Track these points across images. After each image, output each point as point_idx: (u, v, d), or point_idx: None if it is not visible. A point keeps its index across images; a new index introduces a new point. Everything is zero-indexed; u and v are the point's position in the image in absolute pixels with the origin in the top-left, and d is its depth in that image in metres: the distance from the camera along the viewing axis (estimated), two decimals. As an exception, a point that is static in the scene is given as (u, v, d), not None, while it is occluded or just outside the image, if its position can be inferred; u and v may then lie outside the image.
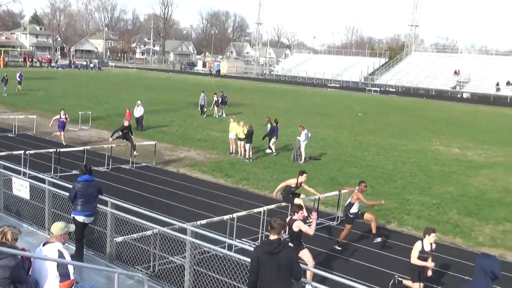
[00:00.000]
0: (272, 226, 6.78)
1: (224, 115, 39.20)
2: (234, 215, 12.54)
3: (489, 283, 5.16)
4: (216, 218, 12.55)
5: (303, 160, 23.58)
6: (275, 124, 25.16)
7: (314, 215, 10.65)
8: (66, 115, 24.51)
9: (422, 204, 17.89)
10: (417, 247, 10.03)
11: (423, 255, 9.98)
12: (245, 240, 12.96)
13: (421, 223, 15.64)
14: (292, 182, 14.23)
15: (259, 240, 12.89)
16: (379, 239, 13.35)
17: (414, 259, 10.03)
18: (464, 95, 79.53)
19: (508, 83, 76.80)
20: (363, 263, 12.54)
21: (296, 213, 10.20)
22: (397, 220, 16.04)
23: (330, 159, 24.82)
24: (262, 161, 23.38)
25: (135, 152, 21.33)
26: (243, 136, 23.29)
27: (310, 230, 10.09)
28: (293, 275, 6.71)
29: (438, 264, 12.50)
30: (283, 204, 14.39)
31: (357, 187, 13.39)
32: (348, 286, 7.20)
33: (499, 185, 21.81)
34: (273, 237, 6.76)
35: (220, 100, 39.64)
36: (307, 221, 11.26)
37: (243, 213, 13.05)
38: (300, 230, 10.03)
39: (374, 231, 13.18)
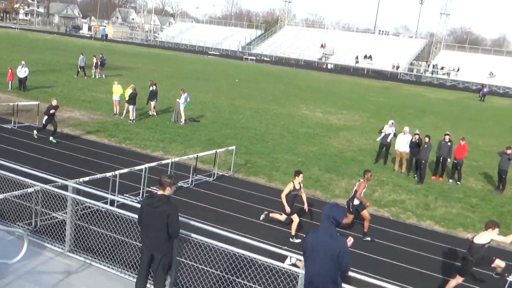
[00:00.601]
0: (160, 182, 6.69)
1: (104, 76, 38.21)
2: (117, 172, 12.25)
3: (332, 227, 5.72)
4: (99, 175, 12.16)
5: (183, 121, 23.42)
6: (154, 87, 24.60)
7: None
8: None
9: (289, 162, 18.59)
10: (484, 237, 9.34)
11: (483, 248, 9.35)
12: (127, 195, 12.75)
13: (287, 178, 16.23)
14: (290, 187, 11.68)
15: (140, 196, 12.76)
16: (368, 238, 12.12)
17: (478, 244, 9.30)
18: (329, 66, 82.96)
19: (365, 57, 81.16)
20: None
21: None
22: (267, 176, 16.55)
23: (208, 121, 24.90)
24: (144, 122, 22.91)
25: (51, 138, 17.95)
26: (127, 98, 22.65)
27: None
28: (169, 231, 6.63)
29: (301, 215, 13.16)
30: (164, 162, 14.23)
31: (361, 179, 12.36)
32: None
33: (355, 145, 23.21)
34: (160, 192, 6.71)
35: (99, 63, 38.44)
36: None
37: (125, 170, 12.77)
38: None
39: (365, 229, 12.18)
